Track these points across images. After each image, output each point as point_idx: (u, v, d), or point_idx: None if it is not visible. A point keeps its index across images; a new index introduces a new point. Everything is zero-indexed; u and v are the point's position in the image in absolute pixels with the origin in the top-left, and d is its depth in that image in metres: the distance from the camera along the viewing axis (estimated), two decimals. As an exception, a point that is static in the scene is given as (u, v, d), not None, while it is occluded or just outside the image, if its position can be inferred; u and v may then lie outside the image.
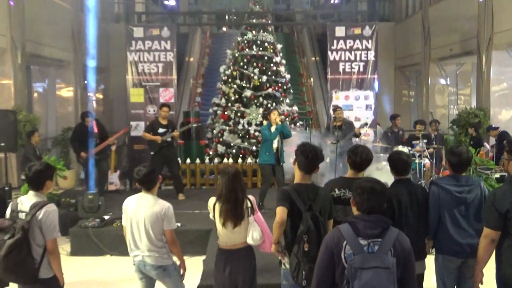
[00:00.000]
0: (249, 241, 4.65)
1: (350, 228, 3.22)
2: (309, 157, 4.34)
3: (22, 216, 4.29)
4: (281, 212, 4.26)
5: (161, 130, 10.41)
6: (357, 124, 12.23)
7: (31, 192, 4.43)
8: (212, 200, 4.78)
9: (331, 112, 11.57)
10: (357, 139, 11.21)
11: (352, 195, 3.41)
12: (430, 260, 4.94)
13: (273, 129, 9.23)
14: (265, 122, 12.12)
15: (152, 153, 10.51)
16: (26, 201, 4.38)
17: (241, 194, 4.68)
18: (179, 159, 11.80)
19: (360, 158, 4.69)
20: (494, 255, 4.44)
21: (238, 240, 4.68)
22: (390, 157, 5.02)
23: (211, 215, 4.80)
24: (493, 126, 11.63)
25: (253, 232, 4.62)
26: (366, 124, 11.15)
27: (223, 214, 4.64)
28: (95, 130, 10.63)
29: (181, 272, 4.97)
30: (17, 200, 4.46)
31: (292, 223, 4.27)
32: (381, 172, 10.56)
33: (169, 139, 10.45)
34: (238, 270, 4.69)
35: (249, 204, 4.72)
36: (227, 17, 26.14)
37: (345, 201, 4.57)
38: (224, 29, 26.25)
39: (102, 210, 8.84)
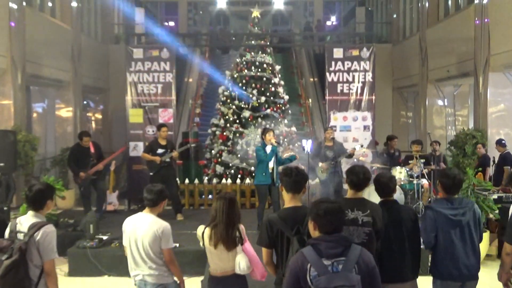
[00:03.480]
0: (237, 270, 4.64)
1: (313, 250, 3.23)
2: (293, 175, 4.30)
3: (20, 236, 4.26)
4: (264, 254, 4.33)
5: (160, 151, 10.44)
6: (353, 145, 12.27)
7: (30, 212, 4.41)
8: (200, 229, 4.79)
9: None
10: (355, 159, 11.22)
11: (311, 218, 3.41)
12: (424, 281, 4.94)
13: (268, 149, 9.25)
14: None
15: (151, 173, 10.52)
16: (25, 221, 4.36)
17: (236, 220, 4.70)
18: (177, 179, 11.81)
19: (357, 177, 4.65)
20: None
21: (228, 268, 4.66)
22: (374, 180, 5.02)
23: (201, 244, 4.80)
24: (502, 142, 11.65)
25: (240, 262, 4.61)
26: (361, 146, 11.17)
27: (216, 237, 4.62)
28: (92, 150, 10.66)
29: None
30: (16, 220, 4.44)
31: (281, 251, 4.23)
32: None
33: (168, 160, 10.47)
34: None
35: (237, 234, 4.71)
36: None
37: (348, 221, 4.48)
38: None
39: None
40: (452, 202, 4.72)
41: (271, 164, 9.24)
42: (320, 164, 10.41)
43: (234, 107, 13.26)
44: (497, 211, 8.47)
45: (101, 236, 8.61)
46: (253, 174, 12.36)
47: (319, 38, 23.17)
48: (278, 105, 13.55)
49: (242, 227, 4.81)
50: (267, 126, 12.76)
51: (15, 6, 11.96)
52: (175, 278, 4.93)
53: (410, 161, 11.37)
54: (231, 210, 4.67)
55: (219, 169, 12.88)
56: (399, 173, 10.75)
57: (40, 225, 4.27)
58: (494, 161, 11.76)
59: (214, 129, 13.61)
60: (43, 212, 4.46)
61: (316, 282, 3.10)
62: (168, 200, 10.99)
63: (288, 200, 4.37)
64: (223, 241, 4.61)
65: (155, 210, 4.89)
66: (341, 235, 3.30)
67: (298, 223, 4.13)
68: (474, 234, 4.71)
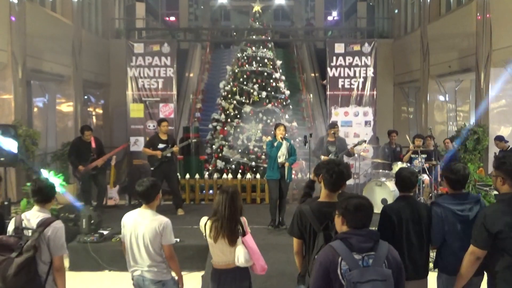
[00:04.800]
0: (236, 263, 4.67)
1: (343, 244, 3.25)
2: (334, 176, 4.19)
3: (27, 233, 4.21)
4: (295, 243, 4.34)
5: (161, 146, 10.44)
6: (355, 140, 12.24)
7: (35, 208, 4.38)
8: (203, 220, 4.84)
9: (328, 127, 11.52)
10: (355, 155, 11.19)
11: (340, 213, 3.41)
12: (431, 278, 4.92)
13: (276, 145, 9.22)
14: (264, 138, 12.16)
15: (151, 168, 10.52)
16: (31, 217, 4.32)
17: (238, 214, 4.73)
18: (178, 174, 11.80)
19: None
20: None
21: (230, 260, 4.70)
22: (396, 173, 5.01)
23: (204, 235, 4.83)
24: (504, 138, 11.62)
25: (239, 255, 4.65)
26: (364, 141, 11.14)
27: (216, 230, 4.67)
28: (93, 145, 10.65)
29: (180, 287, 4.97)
30: (22, 216, 4.37)
31: (308, 244, 4.23)
32: (380, 188, 10.57)
33: (169, 155, 10.47)
34: None
35: (239, 227, 4.75)
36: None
37: None
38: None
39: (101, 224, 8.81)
40: (459, 198, 4.67)
41: (280, 159, 9.18)
42: (322, 157, 10.41)
43: (235, 102, 13.25)
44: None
45: (101, 231, 8.61)
46: (254, 169, 12.45)
47: (318, 32, 23.05)
48: (279, 100, 13.53)
49: (244, 219, 4.84)
50: (269, 121, 12.82)
51: (15, 1, 11.94)
52: (173, 274, 4.93)
53: (412, 155, 11.35)
54: (232, 204, 4.70)
55: (220, 164, 12.87)
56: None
57: (50, 221, 4.27)
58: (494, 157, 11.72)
59: (215, 124, 13.59)
60: (49, 205, 4.47)
61: (348, 276, 3.12)
62: (168, 195, 11.09)
63: (323, 195, 4.32)
64: (226, 236, 4.65)
65: (152, 204, 4.85)
66: (371, 230, 3.33)
67: (329, 219, 4.06)
68: None
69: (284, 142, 9.18)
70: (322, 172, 4.31)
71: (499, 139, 11.59)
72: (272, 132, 9.61)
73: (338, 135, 11.01)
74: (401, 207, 4.70)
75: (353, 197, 3.45)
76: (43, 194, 4.41)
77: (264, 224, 9.33)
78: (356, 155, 11.34)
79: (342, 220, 3.40)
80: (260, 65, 13.63)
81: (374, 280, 3.10)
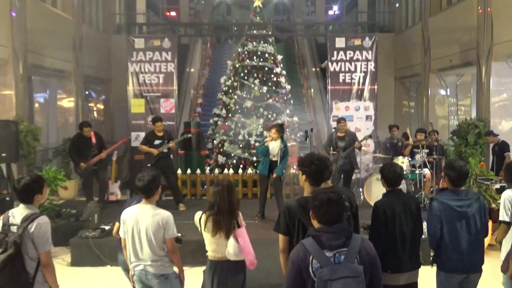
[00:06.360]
0: (226, 255, 4.71)
1: (314, 242, 3.21)
2: (314, 169, 4.11)
3: (13, 229, 4.18)
4: (281, 241, 4.20)
5: (157, 142, 10.41)
6: (359, 136, 12.22)
7: (21, 205, 4.34)
8: (197, 214, 4.89)
9: (332, 123, 11.54)
10: (357, 150, 11.19)
11: (310, 208, 3.37)
12: (426, 271, 4.93)
13: (272, 144, 9.37)
14: (265, 133, 12.18)
15: (148, 165, 10.49)
16: (17, 214, 4.29)
17: (235, 206, 4.77)
18: (179, 169, 11.79)
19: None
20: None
21: (225, 252, 4.73)
22: (382, 168, 5.00)
23: (199, 230, 4.87)
24: (493, 132, 11.63)
25: (229, 248, 4.68)
26: (370, 136, 11.12)
27: (216, 224, 4.70)
28: (93, 140, 10.65)
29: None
30: (9, 213, 4.36)
31: (297, 240, 4.12)
32: (381, 182, 10.56)
33: (165, 150, 10.44)
34: (226, 282, 4.77)
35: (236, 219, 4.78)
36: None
37: None
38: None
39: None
40: (458, 194, 4.70)
41: (274, 158, 9.38)
42: (331, 153, 10.47)
43: (236, 97, 13.24)
44: (499, 201, 8.45)
45: (103, 226, 8.62)
46: (255, 164, 12.48)
47: (319, 26, 23.05)
48: (280, 95, 13.52)
49: (238, 212, 4.87)
50: (270, 116, 12.82)
51: (16, -4, 11.93)
52: (175, 269, 4.95)
53: (413, 150, 11.33)
54: (230, 197, 4.75)
55: (221, 159, 12.87)
56: (401, 162, 10.72)
57: (34, 217, 4.21)
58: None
59: (216, 119, 13.59)
60: (34, 205, 4.38)
61: (319, 274, 3.08)
62: (168, 191, 11.09)
63: (309, 190, 4.20)
64: (224, 229, 4.70)
65: (152, 199, 4.87)
66: (342, 226, 3.28)
67: None
68: (479, 226, 4.69)
69: (275, 143, 9.34)
70: (301, 167, 4.21)
71: (488, 133, 11.66)
72: (268, 132, 9.78)
73: (345, 129, 10.97)
74: (393, 201, 4.73)
75: (322, 192, 3.37)
76: (22, 196, 4.34)
77: (265, 219, 9.37)
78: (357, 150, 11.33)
79: (313, 216, 3.36)
80: (261, 59, 13.62)
81: (345, 277, 3.06)
